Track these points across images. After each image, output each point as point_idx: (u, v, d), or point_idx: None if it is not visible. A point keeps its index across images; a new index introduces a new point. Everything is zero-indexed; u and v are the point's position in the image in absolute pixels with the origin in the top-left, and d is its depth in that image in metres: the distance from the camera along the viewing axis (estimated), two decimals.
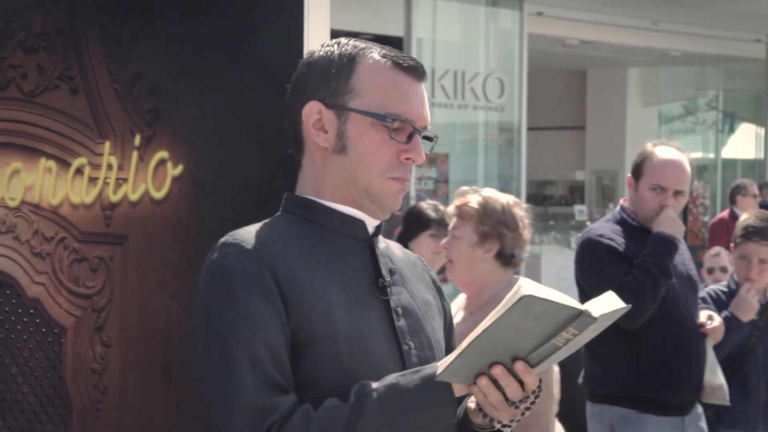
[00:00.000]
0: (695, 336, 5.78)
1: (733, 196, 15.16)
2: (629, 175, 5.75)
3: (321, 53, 2.67)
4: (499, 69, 15.63)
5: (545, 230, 20.45)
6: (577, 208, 21.57)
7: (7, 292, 3.68)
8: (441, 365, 2.41)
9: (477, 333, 2.37)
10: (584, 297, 5.27)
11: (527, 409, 2.48)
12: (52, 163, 3.59)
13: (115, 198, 3.50)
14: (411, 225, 7.28)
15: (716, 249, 7.97)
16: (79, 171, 3.55)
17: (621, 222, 5.73)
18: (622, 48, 19.20)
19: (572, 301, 2.36)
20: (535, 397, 2.47)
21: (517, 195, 15.77)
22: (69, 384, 3.56)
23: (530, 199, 17.76)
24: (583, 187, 22.96)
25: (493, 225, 4.88)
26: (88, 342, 3.53)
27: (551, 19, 16.28)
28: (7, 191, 3.66)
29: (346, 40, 2.69)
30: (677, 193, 5.73)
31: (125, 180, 3.48)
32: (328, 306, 2.53)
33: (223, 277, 2.54)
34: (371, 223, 2.67)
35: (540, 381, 2.45)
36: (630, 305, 2.55)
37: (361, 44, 2.68)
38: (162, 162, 3.43)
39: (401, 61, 2.64)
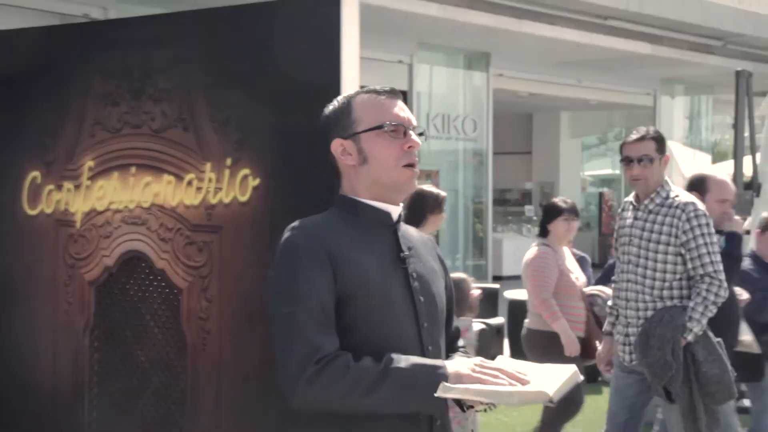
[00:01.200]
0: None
1: None
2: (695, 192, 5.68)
3: (329, 109, 2.69)
4: (473, 112, 15.59)
5: (505, 223, 20.41)
6: (527, 207, 21.55)
7: (143, 264, 3.68)
8: (447, 387, 2.39)
9: (484, 398, 2.39)
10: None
11: (489, 408, 2.53)
12: (171, 178, 3.59)
13: (213, 201, 3.50)
14: (546, 214, 7.06)
15: None
16: (189, 183, 3.56)
17: None
18: (557, 98, 19.18)
19: (553, 389, 2.35)
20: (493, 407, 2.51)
21: (486, 199, 15.80)
22: (184, 327, 3.56)
23: (495, 202, 17.72)
24: (531, 193, 22.92)
25: None
26: (197, 299, 3.53)
27: (509, 79, 16.27)
28: (142, 197, 3.67)
29: (342, 95, 2.71)
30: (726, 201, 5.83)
31: (220, 189, 3.48)
32: (365, 272, 2.52)
33: (290, 249, 2.53)
34: (395, 213, 2.66)
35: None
36: (580, 379, 2.54)
37: (352, 92, 2.70)
38: (245, 176, 3.43)
39: (378, 90, 2.66)
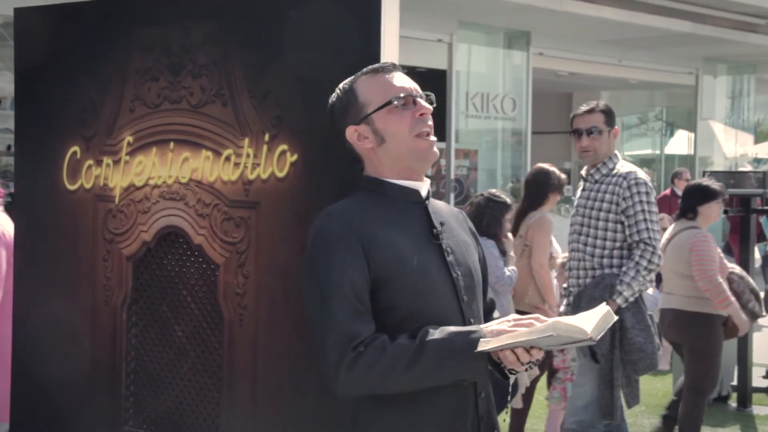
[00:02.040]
0: None
1: (673, 179, 15.09)
2: None
3: (333, 99, 2.68)
4: (512, 91, 15.52)
5: None
6: (566, 187, 21.45)
7: (180, 240, 3.68)
8: (486, 341, 2.37)
9: (522, 338, 2.34)
10: None
11: (530, 367, 2.46)
12: (209, 153, 3.59)
13: (251, 176, 3.49)
14: (698, 196, 6.83)
15: (661, 215, 7.84)
16: (227, 159, 3.55)
17: None
18: (597, 77, 19.03)
19: (590, 326, 2.32)
20: (537, 362, 2.45)
21: (524, 179, 15.70)
22: (221, 302, 3.56)
23: None
24: (570, 173, 22.80)
25: None
26: (234, 274, 3.53)
27: (549, 58, 16.16)
28: (180, 172, 3.66)
29: (342, 83, 2.70)
30: None
31: (258, 164, 3.47)
32: (398, 252, 2.50)
33: (322, 237, 2.52)
34: (423, 190, 2.64)
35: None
36: (614, 318, 2.52)
37: (351, 78, 2.69)
38: (283, 152, 3.41)
39: (376, 68, 2.64)
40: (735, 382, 8.21)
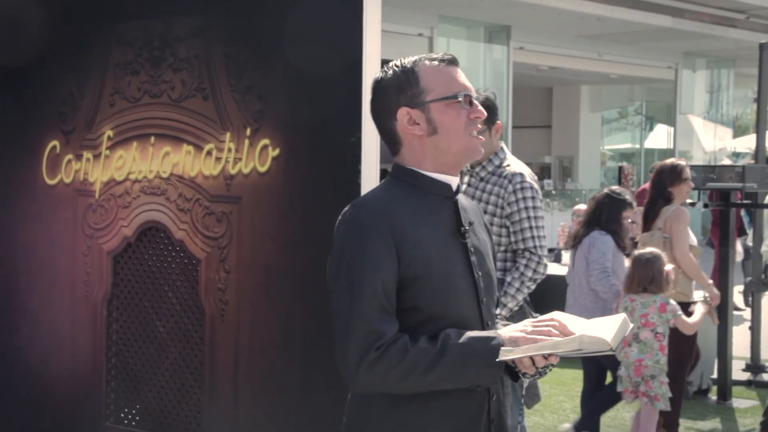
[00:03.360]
0: None
1: (652, 172, 15.07)
2: None
3: (387, 76, 2.59)
4: (493, 85, 15.53)
5: None
6: (545, 181, 21.45)
7: (161, 234, 3.66)
8: (506, 350, 2.35)
9: (546, 351, 2.33)
10: None
11: (543, 372, 2.44)
12: (191, 148, 3.57)
13: (233, 171, 3.47)
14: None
15: (639, 209, 7.84)
16: (209, 153, 3.53)
17: None
18: (577, 72, 19.07)
19: (611, 337, 2.31)
20: (551, 368, 2.44)
21: None
22: (203, 298, 3.54)
23: None
24: (550, 167, 22.85)
25: None
26: (215, 269, 3.51)
27: (529, 52, 16.18)
28: (161, 167, 3.64)
29: (400, 61, 2.61)
30: None
31: (240, 159, 3.45)
32: (427, 252, 2.46)
33: (356, 230, 2.46)
34: (454, 185, 2.62)
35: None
36: (630, 326, 2.51)
37: (411, 59, 2.60)
38: (265, 146, 3.39)
39: (441, 58, 2.61)
40: (715, 375, 8.25)
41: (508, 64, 15.53)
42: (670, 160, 6.99)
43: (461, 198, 2.67)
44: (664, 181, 6.84)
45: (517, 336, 2.41)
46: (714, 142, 20.71)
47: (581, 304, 6.38)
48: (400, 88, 2.56)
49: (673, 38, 16.99)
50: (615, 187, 6.81)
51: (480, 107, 2.61)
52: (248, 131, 3.42)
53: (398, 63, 2.60)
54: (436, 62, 2.59)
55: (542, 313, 2.65)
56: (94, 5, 3.90)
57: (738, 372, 8.61)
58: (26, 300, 4.00)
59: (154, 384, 3.68)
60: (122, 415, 3.75)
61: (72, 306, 3.86)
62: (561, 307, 5.76)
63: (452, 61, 2.61)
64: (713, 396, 8.18)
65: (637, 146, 23.18)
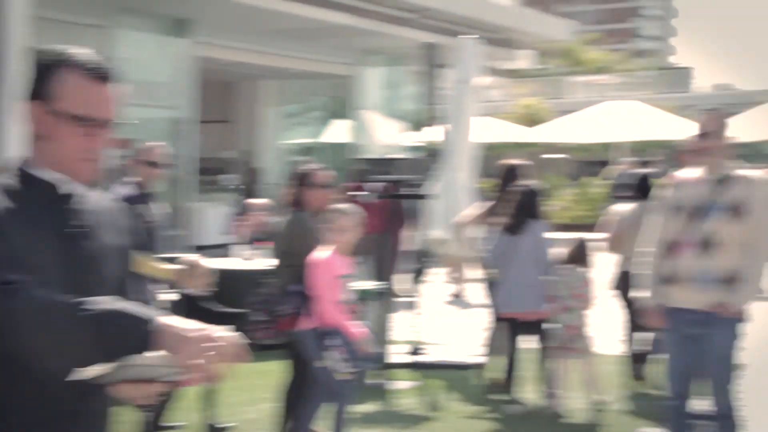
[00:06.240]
0: None
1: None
2: None
3: (38, 57, 2.44)
4: (175, 80, 15.43)
5: (206, 192, 20.35)
6: (225, 176, 21.42)
7: None
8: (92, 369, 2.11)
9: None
10: None
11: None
12: None
13: None
14: None
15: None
16: None
17: None
18: (260, 67, 19.30)
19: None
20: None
21: (188, 169, 15.66)
22: None
23: (202, 171, 17.51)
24: (232, 162, 22.92)
25: None
26: None
27: (211, 46, 16.20)
28: None
29: (51, 50, 2.47)
30: None
31: None
32: (22, 248, 2.32)
33: None
34: (72, 186, 2.47)
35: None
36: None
37: (64, 53, 2.46)
38: None
39: (90, 68, 2.43)
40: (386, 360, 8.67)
41: (190, 59, 15.48)
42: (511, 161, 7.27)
43: (88, 197, 2.53)
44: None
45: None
46: (389, 136, 21.58)
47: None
48: (41, 78, 2.43)
49: (351, 35, 17.56)
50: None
51: (104, 136, 2.43)
52: None
53: (49, 49, 2.46)
54: (84, 72, 2.43)
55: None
56: None
57: (402, 355, 9.12)
58: None
59: None
60: None
61: None
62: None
63: (103, 77, 2.44)
64: (377, 380, 8.57)
65: (318, 140, 23.74)
